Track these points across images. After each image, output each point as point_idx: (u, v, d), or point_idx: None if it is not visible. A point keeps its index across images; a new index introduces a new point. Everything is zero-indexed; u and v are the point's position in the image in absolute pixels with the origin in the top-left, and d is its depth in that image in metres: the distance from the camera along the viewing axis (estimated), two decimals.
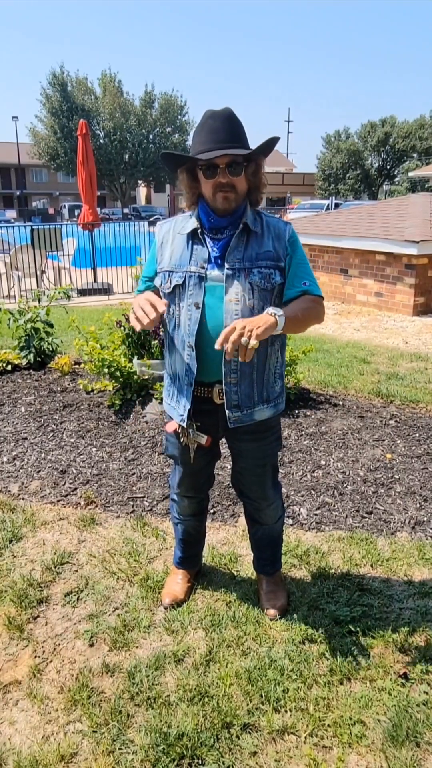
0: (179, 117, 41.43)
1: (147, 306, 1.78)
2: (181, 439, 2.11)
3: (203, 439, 2.06)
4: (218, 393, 2.01)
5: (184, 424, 2.05)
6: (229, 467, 3.48)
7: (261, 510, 2.30)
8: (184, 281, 1.94)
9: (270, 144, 1.87)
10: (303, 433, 4.02)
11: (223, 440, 2.23)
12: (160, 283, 2.03)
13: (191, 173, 1.92)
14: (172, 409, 2.12)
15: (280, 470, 3.52)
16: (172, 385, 2.12)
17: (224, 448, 2.60)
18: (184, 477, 2.27)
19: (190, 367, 1.97)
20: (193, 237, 1.96)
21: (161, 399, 4.28)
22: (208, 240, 1.94)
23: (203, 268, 1.92)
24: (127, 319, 4.58)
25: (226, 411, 2.00)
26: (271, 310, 1.79)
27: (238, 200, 1.90)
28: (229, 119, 1.84)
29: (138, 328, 1.80)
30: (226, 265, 1.90)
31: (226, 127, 1.82)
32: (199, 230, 1.95)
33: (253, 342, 1.67)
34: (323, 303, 2.01)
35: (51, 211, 40.10)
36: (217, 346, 1.72)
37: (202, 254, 1.93)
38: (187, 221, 1.99)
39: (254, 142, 1.88)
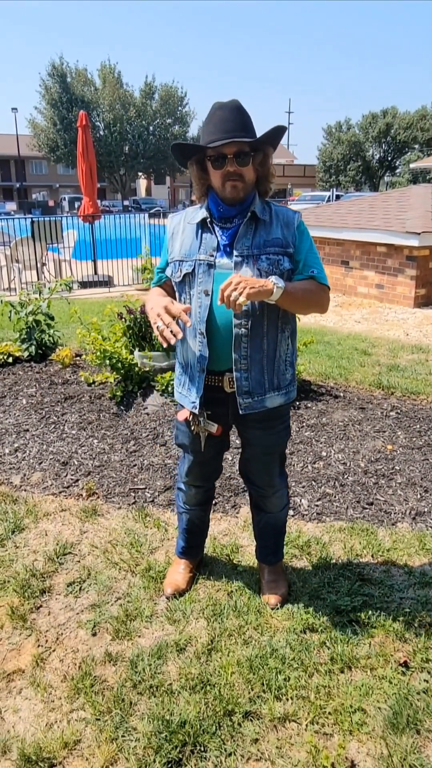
0: (179, 108, 41.23)
1: (166, 318, 1.82)
2: (192, 428, 2.12)
3: (214, 428, 2.08)
4: (228, 381, 2.03)
5: (196, 411, 2.06)
6: (231, 458, 3.49)
7: (267, 497, 2.31)
8: (193, 269, 1.97)
9: (277, 132, 1.89)
10: (304, 424, 4.03)
11: (233, 430, 2.24)
12: (171, 272, 2.07)
13: (200, 165, 1.95)
14: (183, 397, 2.13)
15: None
16: (184, 374, 2.13)
17: (232, 438, 2.61)
18: (193, 466, 2.29)
19: (202, 354, 1.99)
20: (203, 226, 1.99)
21: (162, 391, 4.29)
22: (217, 229, 1.97)
23: (212, 256, 1.95)
24: (129, 311, 4.57)
25: (237, 398, 2.01)
26: (273, 278, 1.83)
27: (246, 189, 1.92)
28: (237, 110, 1.86)
29: (165, 344, 1.84)
30: (235, 253, 1.92)
31: (233, 117, 1.85)
32: (209, 219, 1.97)
33: (242, 299, 1.74)
34: (328, 293, 2.03)
35: (51, 203, 39.92)
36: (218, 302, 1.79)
37: (211, 243, 1.96)
38: (197, 212, 2.02)
39: (259, 134, 1.89)
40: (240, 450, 2.33)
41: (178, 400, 2.18)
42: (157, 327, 1.84)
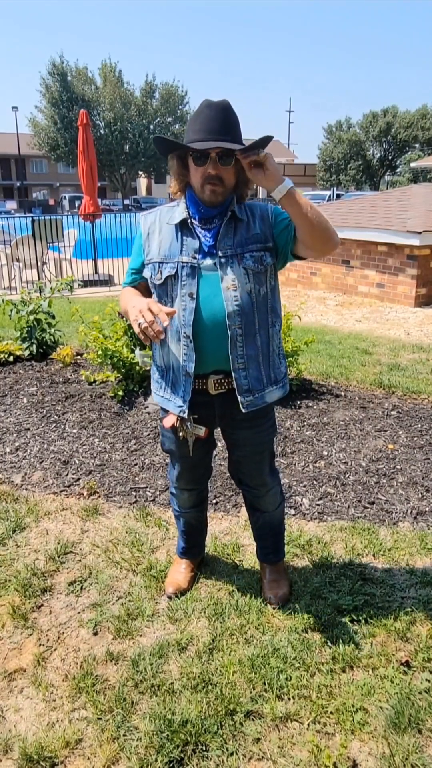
0: (180, 107, 41.12)
1: (149, 315, 1.72)
2: (179, 433, 2.09)
3: (201, 431, 2.05)
4: (213, 383, 2.01)
5: (185, 415, 2.03)
6: None
7: (261, 497, 2.31)
8: (176, 272, 1.92)
9: (263, 142, 1.85)
10: (305, 423, 4.03)
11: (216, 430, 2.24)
12: (150, 274, 2.00)
13: (182, 160, 1.91)
14: (167, 401, 2.09)
15: (282, 461, 3.53)
16: (163, 378, 2.09)
17: (219, 438, 2.60)
18: (183, 471, 2.28)
19: (189, 358, 1.95)
20: (182, 227, 1.94)
21: None
22: (198, 230, 1.93)
23: (195, 258, 1.91)
24: None
25: (239, 397, 1.99)
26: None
27: (225, 194, 1.88)
28: (225, 111, 1.82)
29: (146, 342, 1.76)
30: (219, 253, 1.89)
31: (221, 118, 1.81)
32: (189, 220, 1.93)
33: (262, 156, 1.74)
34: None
35: (51, 202, 39.93)
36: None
37: (193, 244, 1.92)
38: (174, 211, 1.97)
39: (253, 133, 1.87)
40: (227, 453, 2.32)
41: (161, 403, 2.13)
42: (139, 324, 1.72)
